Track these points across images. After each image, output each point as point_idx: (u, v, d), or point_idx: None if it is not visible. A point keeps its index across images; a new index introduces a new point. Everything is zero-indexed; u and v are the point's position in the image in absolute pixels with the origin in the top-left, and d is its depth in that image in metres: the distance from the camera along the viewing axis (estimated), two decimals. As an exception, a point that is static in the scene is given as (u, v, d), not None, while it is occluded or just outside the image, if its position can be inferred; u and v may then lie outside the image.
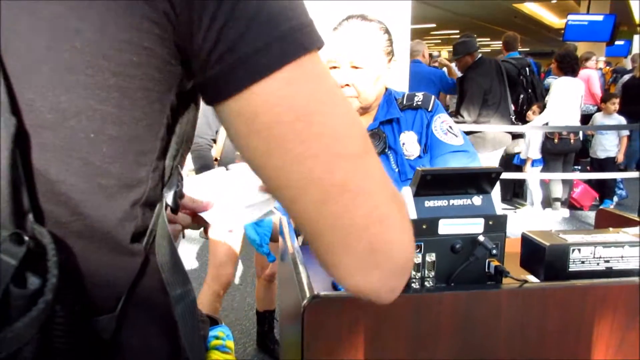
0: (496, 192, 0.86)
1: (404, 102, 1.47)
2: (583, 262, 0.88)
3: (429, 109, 1.46)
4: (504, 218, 0.83)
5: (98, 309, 0.41)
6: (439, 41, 21.77)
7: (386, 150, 1.40)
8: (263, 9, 0.39)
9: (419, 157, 1.42)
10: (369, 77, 1.35)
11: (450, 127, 1.46)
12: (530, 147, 4.81)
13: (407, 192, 0.81)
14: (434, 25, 16.15)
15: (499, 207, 0.84)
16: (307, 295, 0.79)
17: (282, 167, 0.40)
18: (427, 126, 1.44)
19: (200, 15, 0.38)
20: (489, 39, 18.90)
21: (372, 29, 1.35)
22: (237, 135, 0.41)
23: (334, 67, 1.35)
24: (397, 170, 1.39)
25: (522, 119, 4.81)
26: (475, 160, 1.45)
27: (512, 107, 4.47)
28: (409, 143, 1.42)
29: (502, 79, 4.32)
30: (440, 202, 0.81)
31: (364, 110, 1.41)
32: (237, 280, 3.31)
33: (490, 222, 0.81)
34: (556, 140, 4.61)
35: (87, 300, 0.41)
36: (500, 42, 5.41)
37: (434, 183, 0.80)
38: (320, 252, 0.44)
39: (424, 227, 0.79)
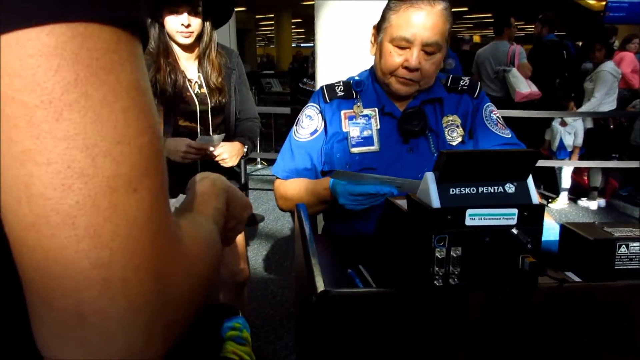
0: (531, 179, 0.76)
1: (449, 84, 1.39)
2: (631, 259, 0.78)
3: (475, 96, 1.38)
4: (541, 208, 0.73)
5: None
6: (471, 25, 21.24)
7: (426, 132, 1.32)
8: None
9: (462, 143, 1.33)
10: (437, 61, 1.28)
11: (499, 117, 1.39)
12: (579, 135, 4.59)
13: (431, 177, 0.72)
14: (466, 8, 15.72)
15: (536, 196, 0.74)
16: (318, 290, 0.72)
17: (1, 156, 0.28)
18: (474, 113, 1.36)
19: None
20: (523, 22, 18.32)
21: (445, 11, 1.25)
22: None
23: (404, 47, 1.25)
24: (436, 154, 1.29)
25: (556, 104, 4.60)
26: None
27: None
28: (452, 127, 1.34)
29: None
30: (468, 190, 0.72)
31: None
32: (258, 269, 3.28)
33: (526, 213, 0.71)
34: (612, 126, 4.40)
35: None
36: (535, 26, 5.18)
37: (460, 167, 0.71)
38: (26, 293, 0.32)
39: (449, 217, 0.69)
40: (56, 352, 0.31)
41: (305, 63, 9.76)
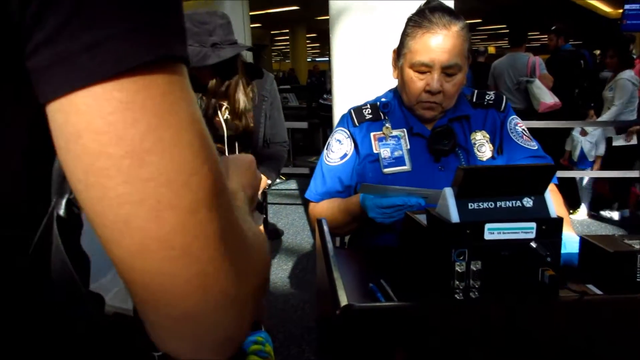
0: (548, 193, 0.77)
1: (475, 100, 1.40)
2: (653, 271, 0.78)
3: (501, 109, 1.39)
4: (559, 222, 0.74)
5: None
6: (486, 37, 21.19)
7: (456, 149, 1.33)
8: None
9: (492, 158, 1.34)
10: (458, 82, 1.29)
11: (524, 129, 1.39)
12: (600, 145, 4.53)
13: (449, 193, 0.74)
14: (479, 20, 15.71)
15: (554, 209, 0.75)
16: (340, 305, 0.73)
17: (99, 203, 0.33)
18: (501, 127, 1.36)
19: None
20: (538, 33, 18.23)
21: (462, 31, 1.26)
22: (57, 146, 0.34)
23: (425, 72, 1.27)
24: None
25: (576, 113, 4.56)
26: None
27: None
28: (481, 143, 1.35)
29: None
30: (486, 204, 0.73)
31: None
32: (279, 283, 3.30)
33: (544, 227, 0.73)
34: (635, 137, 4.33)
35: None
36: (548, 36, 5.16)
37: (478, 183, 0.73)
38: (136, 303, 0.37)
39: (468, 232, 0.71)
40: (168, 346, 0.38)
41: (322, 77, 9.83)
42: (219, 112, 1.79)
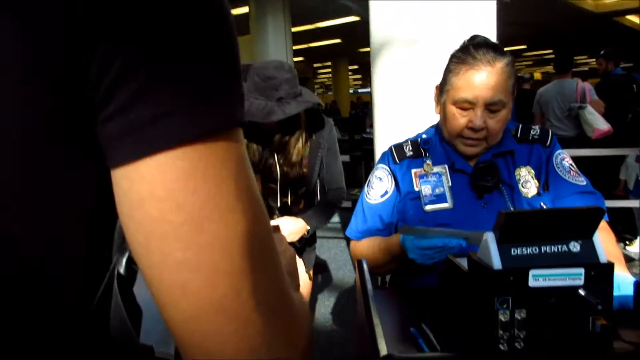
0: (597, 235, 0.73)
1: (519, 135, 1.36)
2: None
3: (547, 144, 1.34)
4: (610, 267, 0.70)
5: None
6: (531, 62, 20.83)
7: (500, 186, 1.29)
8: (175, 65, 0.32)
9: (538, 194, 1.29)
10: (502, 118, 1.26)
11: (571, 164, 1.34)
12: None
13: (491, 237, 0.72)
14: (524, 46, 15.50)
15: (604, 254, 0.72)
16: (380, 354, 0.72)
17: (157, 268, 0.34)
18: (547, 162, 1.32)
19: (90, 62, 0.32)
20: (586, 57, 17.77)
21: (507, 67, 1.24)
22: (120, 211, 0.36)
23: (468, 108, 1.26)
24: (512, 208, 1.26)
25: (630, 140, 4.37)
26: (602, 203, 1.29)
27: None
28: (526, 179, 1.30)
29: None
30: (530, 250, 0.71)
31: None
32: (320, 320, 3.26)
33: (593, 273, 0.69)
34: None
35: None
36: (597, 61, 5.02)
37: (521, 227, 0.70)
38: None
39: (511, 278, 0.68)
40: None
41: (365, 109, 9.86)
42: (275, 155, 1.83)
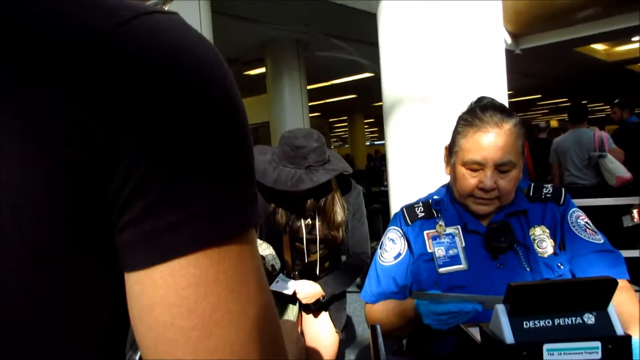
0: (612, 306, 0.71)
1: (532, 194, 1.35)
2: None
3: (561, 203, 1.32)
4: (627, 340, 0.68)
5: None
6: (547, 111, 20.90)
7: (514, 246, 1.27)
8: (192, 175, 0.33)
9: (554, 254, 1.26)
10: (513, 178, 1.26)
11: (587, 222, 1.31)
12: None
13: (502, 310, 0.70)
14: (539, 96, 15.61)
15: (620, 326, 0.70)
16: None
17: None
18: (562, 221, 1.30)
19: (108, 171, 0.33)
20: (602, 104, 17.77)
21: (515, 127, 1.25)
22: (131, 314, 0.36)
23: (477, 169, 1.26)
24: (528, 269, 1.24)
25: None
26: (621, 261, 1.26)
27: None
28: (541, 238, 1.28)
29: None
30: (543, 322, 0.69)
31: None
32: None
33: (610, 346, 0.67)
34: None
35: None
36: (612, 109, 5.02)
37: (532, 299, 0.69)
38: None
39: (525, 353, 0.67)
40: None
41: (383, 160, 9.91)
42: (302, 219, 1.85)
